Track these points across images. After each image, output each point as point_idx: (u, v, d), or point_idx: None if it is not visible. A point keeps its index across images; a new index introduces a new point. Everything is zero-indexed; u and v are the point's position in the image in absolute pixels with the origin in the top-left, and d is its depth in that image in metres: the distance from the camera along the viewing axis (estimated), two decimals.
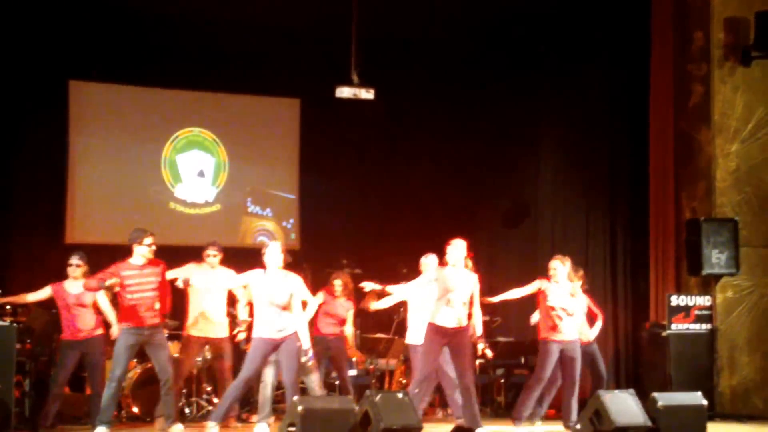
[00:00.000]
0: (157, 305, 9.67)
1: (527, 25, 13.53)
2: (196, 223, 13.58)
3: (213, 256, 10.44)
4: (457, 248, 9.83)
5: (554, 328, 10.27)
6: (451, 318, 9.60)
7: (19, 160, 12.70)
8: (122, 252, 12.45)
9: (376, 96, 12.08)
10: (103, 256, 12.80)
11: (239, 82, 13.68)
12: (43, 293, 10.22)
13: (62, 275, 10.40)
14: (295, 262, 10.62)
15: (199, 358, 10.98)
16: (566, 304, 10.37)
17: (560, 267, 10.44)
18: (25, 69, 12.59)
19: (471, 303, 9.83)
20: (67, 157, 13.09)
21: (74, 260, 10.27)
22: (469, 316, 9.82)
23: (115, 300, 10.00)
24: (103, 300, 10.24)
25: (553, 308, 10.31)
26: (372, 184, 14.20)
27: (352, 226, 13.88)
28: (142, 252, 9.75)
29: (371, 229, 13.91)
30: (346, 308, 11.12)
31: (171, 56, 13.20)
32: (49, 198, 12.96)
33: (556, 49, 13.59)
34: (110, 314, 10.24)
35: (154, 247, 9.85)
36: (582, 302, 10.91)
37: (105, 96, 13.40)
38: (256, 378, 9.80)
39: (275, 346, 9.38)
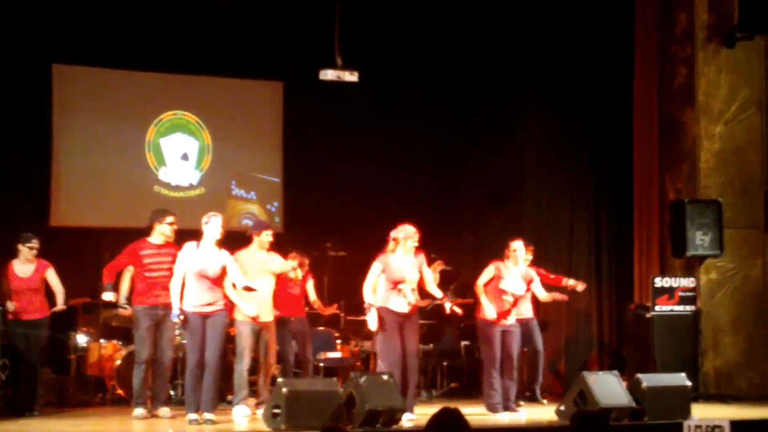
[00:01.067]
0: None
1: (512, 6, 13.51)
2: (181, 207, 13.46)
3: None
4: (407, 234, 9.80)
5: (500, 311, 10.27)
6: (403, 304, 9.68)
7: (2, 144, 12.63)
8: (106, 235, 12.52)
9: (360, 78, 12.04)
10: (88, 240, 12.89)
11: (222, 65, 13.61)
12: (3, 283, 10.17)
13: (48, 258, 10.39)
14: (279, 245, 10.63)
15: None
16: (517, 288, 10.39)
17: (522, 249, 10.48)
18: (7, 53, 12.51)
19: (423, 281, 9.88)
20: (51, 140, 13.03)
21: (35, 242, 10.23)
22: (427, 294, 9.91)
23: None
24: (53, 278, 10.22)
25: (504, 292, 10.31)
26: (356, 166, 14.16)
27: (336, 209, 13.85)
28: (163, 230, 9.84)
29: (356, 211, 13.89)
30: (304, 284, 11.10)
31: (154, 39, 13.13)
32: (34, 181, 12.88)
33: (539, 32, 13.58)
34: (59, 293, 10.24)
35: (175, 227, 9.90)
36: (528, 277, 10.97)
37: (88, 80, 13.33)
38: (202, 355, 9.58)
39: (203, 319, 9.32)
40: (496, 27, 13.75)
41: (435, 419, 5.33)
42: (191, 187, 13.81)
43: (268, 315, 10.08)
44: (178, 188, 13.72)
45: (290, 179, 14.14)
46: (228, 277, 9.53)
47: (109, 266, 9.98)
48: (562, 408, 9.51)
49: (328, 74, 11.99)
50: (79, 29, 12.78)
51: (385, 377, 9.02)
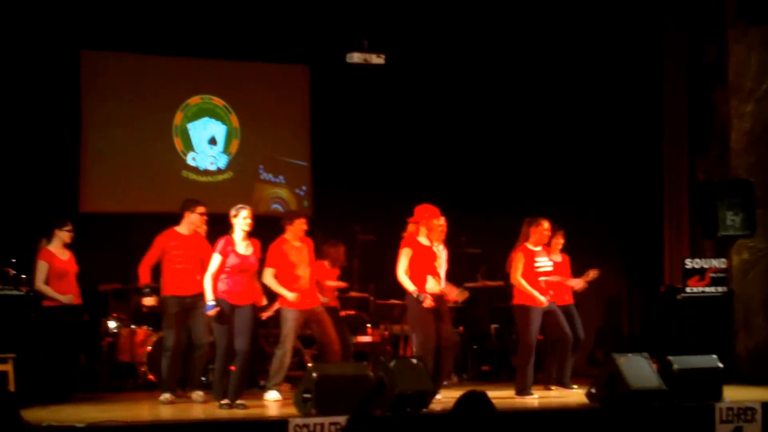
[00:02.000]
0: (199, 277, 9.71)
1: None
2: (209, 192, 13.56)
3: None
4: (431, 213, 9.84)
5: (541, 292, 10.30)
6: (436, 285, 9.71)
7: (32, 131, 12.69)
8: (136, 220, 12.58)
9: (387, 61, 12.01)
10: (117, 226, 12.95)
11: (249, 50, 13.65)
12: (43, 270, 10.15)
13: (77, 244, 10.43)
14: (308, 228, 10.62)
15: None
16: (549, 264, 10.47)
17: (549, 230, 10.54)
18: (36, 39, 12.58)
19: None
20: (80, 126, 13.11)
21: (71, 226, 10.29)
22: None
23: None
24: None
25: (541, 273, 10.32)
26: (384, 149, 14.16)
27: (365, 193, 13.84)
28: (192, 220, 9.87)
29: (384, 195, 13.88)
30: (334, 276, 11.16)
31: (181, 24, 13.17)
32: (63, 168, 12.97)
33: (567, 12, 13.49)
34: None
35: (205, 217, 9.94)
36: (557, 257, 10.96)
37: (116, 65, 13.39)
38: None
39: (233, 307, 9.31)
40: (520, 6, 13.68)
41: (461, 402, 5.34)
42: (219, 171, 13.85)
43: (313, 301, 10.12)
44: (206, 173, 13.77)
45: (318, 163, 14.15)
46: (267, 269, 9.66)
47: (143, 264, 10.04)
48: (593, 391, 9.47)
49: (355, 57, 11.96)
50: (106, 15, 12.82)
51: (414, 361, 9.01)
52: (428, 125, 14.21)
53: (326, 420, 8.07)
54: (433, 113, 14.19)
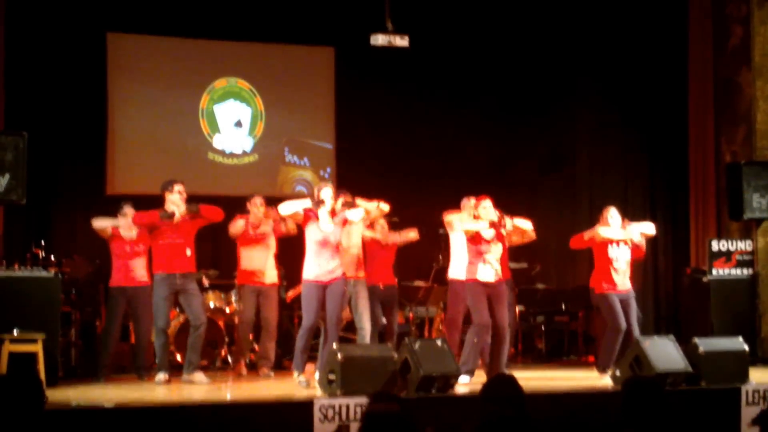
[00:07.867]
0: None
1: None
2: (235, 174, 13.65)
3: (261, 204, 10.47)
4: (488, 208, 9.84)
5: (611, 280, 10.23)
6: (491, 274, 9.67)
7: (58, 113, 12.76)
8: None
9: (411, 43, 11.99)
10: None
11: (274, 32, 13.67)
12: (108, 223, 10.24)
13: None
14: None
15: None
16: (623, 253, 10.35)
17: (617, 217, 10.38)
18: (63, 22, 12.63)
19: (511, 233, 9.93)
20: (106, 109, 13.17)
21: (128, 209, 10.34)
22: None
23: None
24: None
25: (613, 260, 10.28)
26: (409, 131, 14.16)
27: (389, 175, 13.86)
28: (173, 199, 9.94)
29: (408, 177, 13.90)
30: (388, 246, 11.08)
31: (206, 6, 13.20)
32: (90, 150, 13.05)
33: None
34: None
35: (184, 195, 9.96)
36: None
37: (142, 48, 13.45)
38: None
39: (323, 288, 9.38)
40: None
41: (490, 385, 5.35)
42: (245, 153, 13.90)
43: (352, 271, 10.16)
44: (231, 155, 13.82)
45: (343, 145, 14.17)
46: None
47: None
48: (618, 373, 9.46)
49: (379, 39, 11.91)
50: None
51: (439, 343, 9.01)
52: (452, 107, 14.19)
53: (351, 401, 8.09)
54: (458, 95, 14.17)
